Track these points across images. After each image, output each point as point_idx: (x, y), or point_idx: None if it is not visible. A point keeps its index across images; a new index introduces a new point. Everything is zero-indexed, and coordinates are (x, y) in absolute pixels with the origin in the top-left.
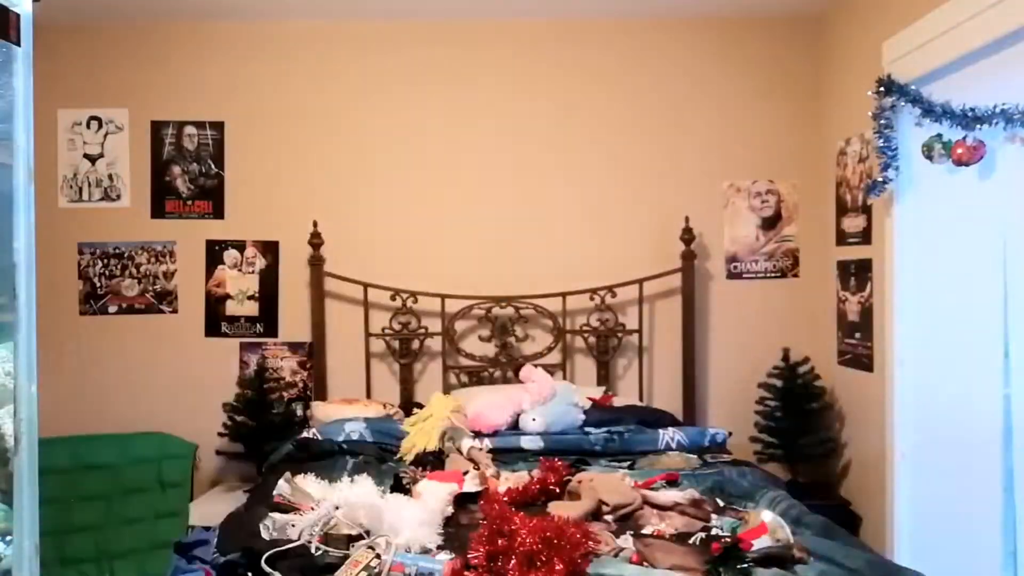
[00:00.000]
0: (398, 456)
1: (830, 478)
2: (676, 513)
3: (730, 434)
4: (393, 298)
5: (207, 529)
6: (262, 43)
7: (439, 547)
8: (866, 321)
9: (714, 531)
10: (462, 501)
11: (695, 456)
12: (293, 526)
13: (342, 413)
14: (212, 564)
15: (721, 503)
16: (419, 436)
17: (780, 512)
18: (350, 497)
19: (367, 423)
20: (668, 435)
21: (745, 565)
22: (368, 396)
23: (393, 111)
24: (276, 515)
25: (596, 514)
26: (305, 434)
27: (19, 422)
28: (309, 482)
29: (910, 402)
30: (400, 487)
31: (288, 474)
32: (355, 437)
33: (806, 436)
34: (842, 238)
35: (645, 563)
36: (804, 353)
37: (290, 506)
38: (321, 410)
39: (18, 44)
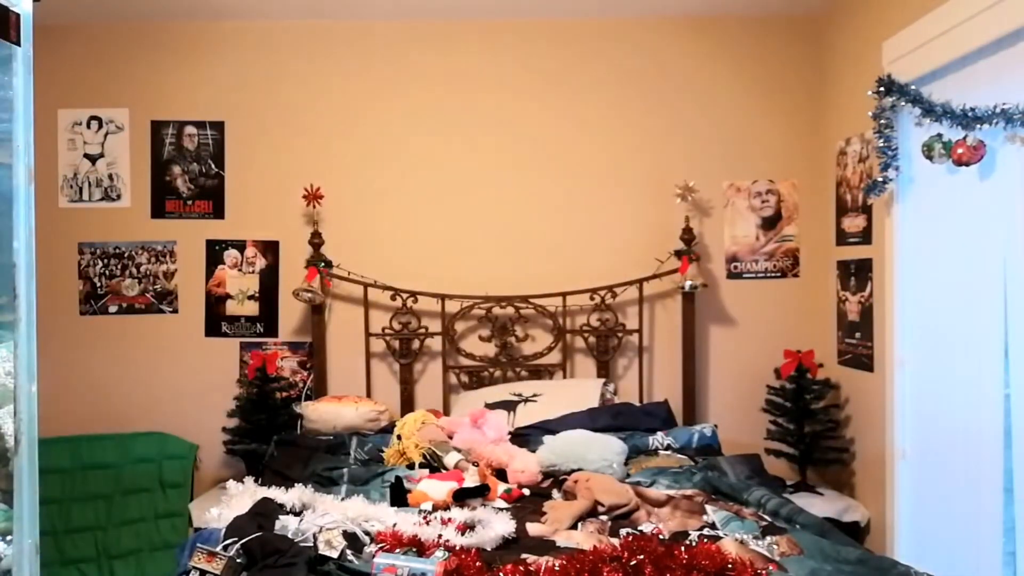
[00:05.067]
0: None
1: (840, 481)
2: (670, 508)
3: (716, 426)
4: (393, 298)
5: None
6: (262, 43)
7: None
8: (866, 321)
9: (706, 530)
10: (462, 497)
11: (686, 457)
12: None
13: (333, 411)
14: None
15: (714, 496)
16: (396, 456)
17: (770, 510)
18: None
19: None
20: (657, 440)
21: None
22: (369, 396)
23: (393, 111)
24: (286, 518)
25: (592, 514)
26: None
27: (19, 422)
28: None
29: (910, 402)
30: (400, 490)
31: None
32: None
33: (820, 439)
34: (842, 238)
35: None
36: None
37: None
38: (311, 410)
39: (18, 44)
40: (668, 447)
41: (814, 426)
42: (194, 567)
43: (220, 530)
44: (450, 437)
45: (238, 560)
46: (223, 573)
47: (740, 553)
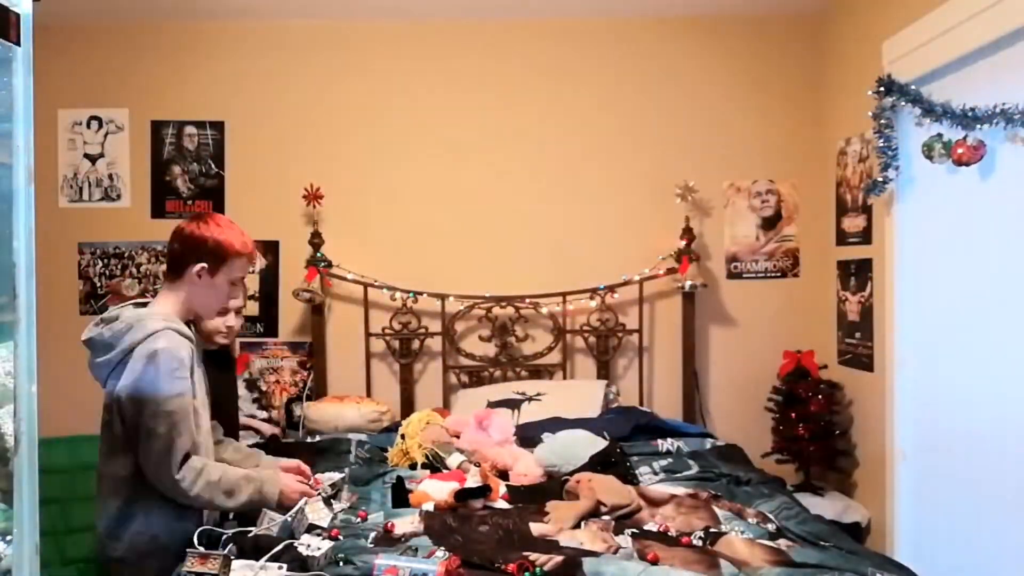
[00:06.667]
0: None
1: (840, 481)
2: (673, 506)
3: (725, 442)
4: (393, 298)
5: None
6: (262, 43)
7: (436, 546)
8: (866, 321)
9: (713, 529)
10: (464, 497)
11: (690, 459)
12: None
13: (335, 411)
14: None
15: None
16: (400, 456)
17: (771, 509)
18: None
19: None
20: (667, 444)
21: None
22: (369, 396)
23: (394, 111)
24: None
25: (595, 514)
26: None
27: (19, 422)
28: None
29: (910, 402)
30: (401, 490)
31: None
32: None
33: (819, 440)
34: (842, 238)
35: (662, 562)
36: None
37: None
38: (313, 410)
39: (18, 44)
40: (667, 452)
41: (811, 427)
42: (188, 572)
43: (219, 529)
44: (456, 437)
45: (232, 557)
46: (220, 572)
47: (748, 549)
